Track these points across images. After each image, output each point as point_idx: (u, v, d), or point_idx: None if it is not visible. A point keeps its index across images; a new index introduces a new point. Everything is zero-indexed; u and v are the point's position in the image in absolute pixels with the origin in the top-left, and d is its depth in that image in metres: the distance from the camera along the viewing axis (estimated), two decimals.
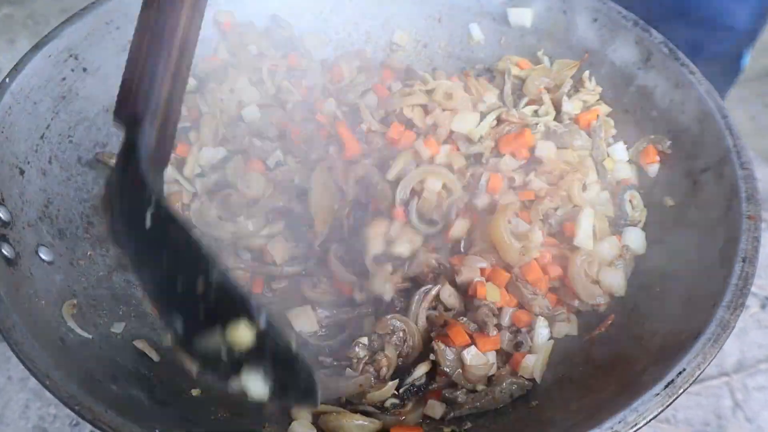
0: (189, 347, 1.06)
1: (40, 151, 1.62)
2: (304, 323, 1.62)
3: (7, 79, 1.57)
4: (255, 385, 1.06)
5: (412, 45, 2.09)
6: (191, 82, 1.92)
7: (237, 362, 1.04)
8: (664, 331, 1.41)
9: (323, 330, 1.65)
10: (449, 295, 1.55)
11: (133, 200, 1.09)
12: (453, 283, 1.56)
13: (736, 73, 2.57)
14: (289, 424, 1.41)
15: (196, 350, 1.06)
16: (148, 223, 1.06)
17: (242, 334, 1.03)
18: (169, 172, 1.82)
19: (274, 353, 1.05)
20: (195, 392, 1.45)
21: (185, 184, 1.80)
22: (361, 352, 1.49)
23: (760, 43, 2.50)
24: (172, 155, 1.85)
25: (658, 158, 1.73)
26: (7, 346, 1.23)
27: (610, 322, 1.57)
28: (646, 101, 1.78)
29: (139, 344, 1.51)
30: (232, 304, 1.04)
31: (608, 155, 1.77)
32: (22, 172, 1.55)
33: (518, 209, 1.61)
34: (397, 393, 1.50)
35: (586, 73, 1.85)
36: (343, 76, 1.98)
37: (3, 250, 1.38)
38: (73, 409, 1.16)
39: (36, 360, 1.21)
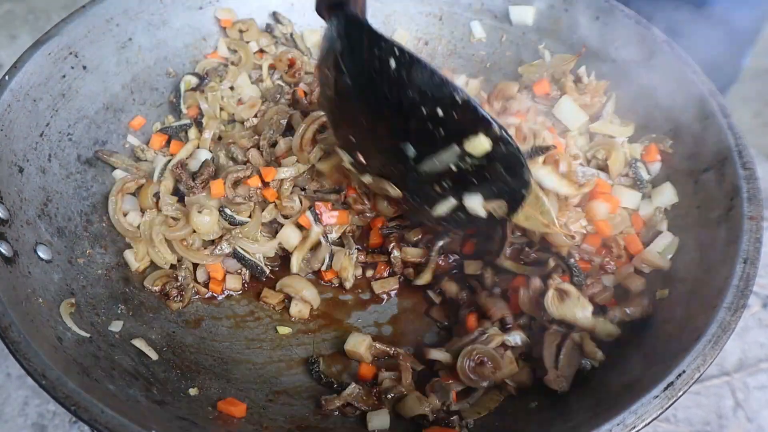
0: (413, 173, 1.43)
1: (39, 149, 1.62)
2: None
3: (7, 77, 1.58)
4: (474, 202, 1.44)
5: (413, 43, 2.09)
6: (191, 80, 1.92)
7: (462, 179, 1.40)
8: (664, 333, 1.41)
9: None
10: None
11: (367, 57, 1.33)
12: None
13: (737, 74, 2.55)
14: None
15: (423, 172, 1.42)
16: (393, 65, 1.30)
17: (481, 143, 1.33)
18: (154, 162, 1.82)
19: (507, 156, 1.36)
20: (192, 392, 1.45)
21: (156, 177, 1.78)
22: None
23: (765, 40, 2.48)
24: (168, 150, 1.86)
25: (659, 157, 1.72)
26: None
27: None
28: (648, 100, 1.77)
29: (137, 343, 1.51)
30: (472, 120, 1.33)
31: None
32: (21, 170, 1.55)
33: None
34: None
35: (583, 68, 1.84)
36: None
37: (1, 249, 1.38)
38: (69, 409, 1.16)
39: (32, 359, 1.20)
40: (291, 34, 2.05)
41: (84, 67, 1.74)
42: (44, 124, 1.64)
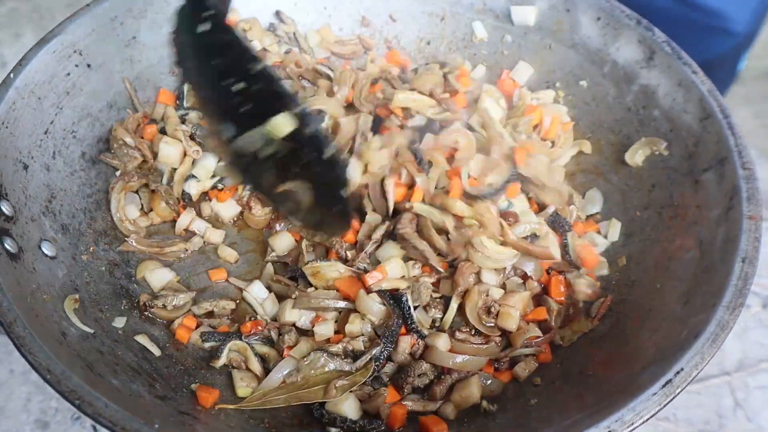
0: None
1: (44, 147, 1.63)
2: None
3: (12, 75, 1.58)
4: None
5: (416, 43, 2.09)
6: None
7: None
8: (663, 331, 1.41)
9: None
10: None
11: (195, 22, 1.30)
12: None
13: (733, 77, 2.55)
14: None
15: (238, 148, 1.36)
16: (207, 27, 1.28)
17: (283, 123, 1.29)
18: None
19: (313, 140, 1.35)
20: (195, 387, 1.46)
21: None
22: None
23: (766, 42, 2.49)
24: None
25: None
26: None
27: (608, 303, 1.60)
28: (648, 100, 1.77)
29: (140, 339, 1.52)
30: (277, 99, 1.32)
31: None
32: (26, 167, 1.56)
33: None
34: None
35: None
36: None
37: (6, 245, 1.39)
38: (73, 404, 1.17)
39: (37, 354, 1.21)
40: (294, 34, 2.06)
41: (88, 66, 1.75)
42: (49, 121, 1.65)
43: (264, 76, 1.32)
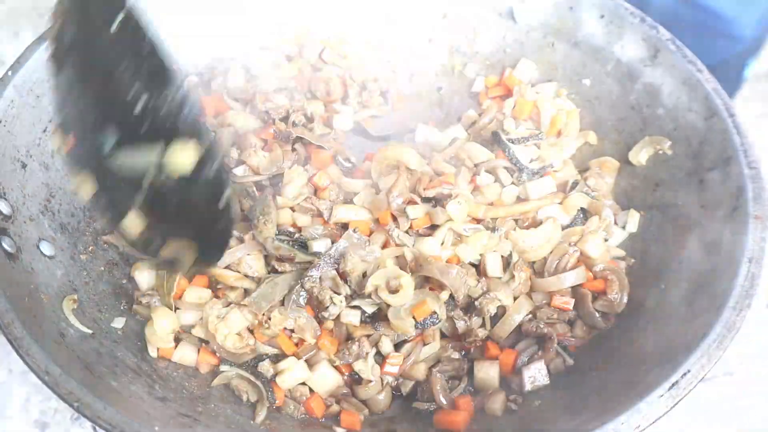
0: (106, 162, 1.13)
1: (42, 145, 1.61)
2: None
3: (10, 72, 1.57)
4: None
5: (417, 40, 2.08)
6: (195, 80, 1.92)
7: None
8: (668, 332, 1.40)
9: None
10: None
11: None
12: None
13: (739, 84, 2.54)
14: None
15: (116, 166, 1.13)
16: (115, 27, 1.08)
17: (185, 156, 1.04)
18: None
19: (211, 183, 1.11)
20: (195, 389, 1.45)
21: None
22: None
23: None
24: None
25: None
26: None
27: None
28: (652, 99, 1.76)
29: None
30: (183, 125, 1.07)
31: None
32: (24, 166, 1.55)
33: None
34: None
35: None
36: None
37: (4, 244, 1.38)
38: (71, 405, 1.16)
39: (35, 355, 1.21)
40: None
41: None
42: (47, 120, 1.63)
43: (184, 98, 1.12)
